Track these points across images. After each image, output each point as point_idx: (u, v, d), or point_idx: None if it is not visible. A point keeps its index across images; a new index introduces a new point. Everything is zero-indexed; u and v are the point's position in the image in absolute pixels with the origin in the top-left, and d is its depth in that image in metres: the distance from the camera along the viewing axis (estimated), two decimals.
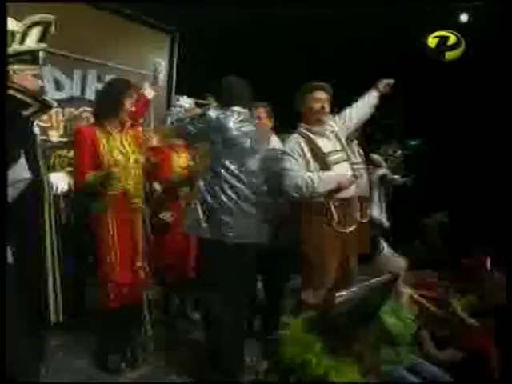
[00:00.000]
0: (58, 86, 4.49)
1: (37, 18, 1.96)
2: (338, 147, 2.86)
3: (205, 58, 4.97)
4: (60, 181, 2.10)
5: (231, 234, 2.55)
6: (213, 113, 2.60)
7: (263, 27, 4.85)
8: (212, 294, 2.62)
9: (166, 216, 3.26)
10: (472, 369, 2.57)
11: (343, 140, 2.93)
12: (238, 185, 2.59)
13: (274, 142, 3.24)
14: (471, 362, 2.61)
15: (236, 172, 2.59)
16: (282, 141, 3.07)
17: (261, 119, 3.23)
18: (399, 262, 2.54)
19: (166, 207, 3.30)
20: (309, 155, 2.76)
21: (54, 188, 2.01)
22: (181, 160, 3.42)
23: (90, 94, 4.64)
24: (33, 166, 1.85)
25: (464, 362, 2.65)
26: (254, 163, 2.67)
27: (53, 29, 2.01)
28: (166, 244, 3.21)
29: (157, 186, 3.37)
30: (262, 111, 3.28)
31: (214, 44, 5.01)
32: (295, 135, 2.85)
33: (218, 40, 5.02)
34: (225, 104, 2.68)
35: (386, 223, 3.81)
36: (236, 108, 2.64)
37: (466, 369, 2.56)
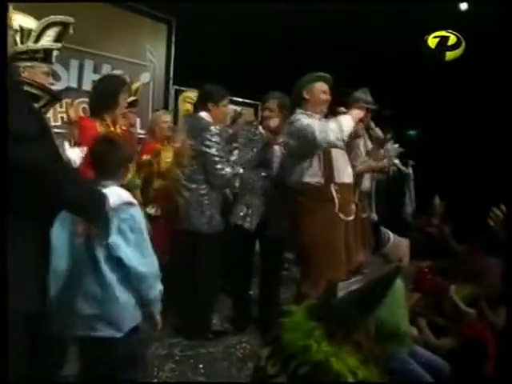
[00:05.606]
0: (55, 77, 4.43)
1: (56, 18, 2.00)
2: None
3: (203, 47, 4.94)
4: (76, 156, 2.17)
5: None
6: None
7: (262, 17, 4.81)
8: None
9: (152, 210, 3.26)
10: (469, 357, 2.58)
11: None
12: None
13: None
14: (469, 351, 2.63)
15: None
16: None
17: (272, 111, 3.16)
18: (405, 244, 2.54)
19: (153, 200, 3.30)
20: None
21: (73, 163, 2.08)
22: (168, 153, 3.38)
23: (87, 85, 4.61)
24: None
25: (461, 350, 2.67)
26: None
27: (71, 30, 2.06)
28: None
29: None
30: (271, 103, 3.17)
31: (212, 33, 4.97)
32: (299, 114, 2.79)
33: (217, 29, 4.99)
34: None
35: (374, 216, 3.65)
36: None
37: (463, 357, 2.58)
